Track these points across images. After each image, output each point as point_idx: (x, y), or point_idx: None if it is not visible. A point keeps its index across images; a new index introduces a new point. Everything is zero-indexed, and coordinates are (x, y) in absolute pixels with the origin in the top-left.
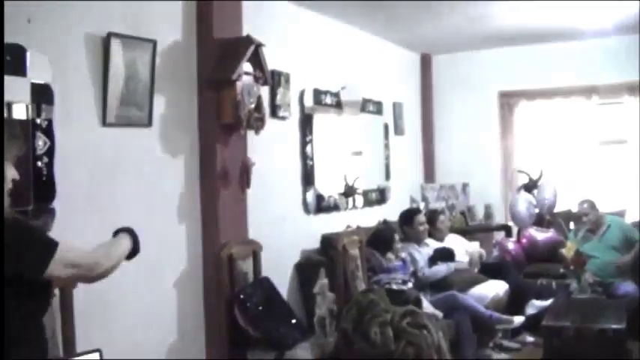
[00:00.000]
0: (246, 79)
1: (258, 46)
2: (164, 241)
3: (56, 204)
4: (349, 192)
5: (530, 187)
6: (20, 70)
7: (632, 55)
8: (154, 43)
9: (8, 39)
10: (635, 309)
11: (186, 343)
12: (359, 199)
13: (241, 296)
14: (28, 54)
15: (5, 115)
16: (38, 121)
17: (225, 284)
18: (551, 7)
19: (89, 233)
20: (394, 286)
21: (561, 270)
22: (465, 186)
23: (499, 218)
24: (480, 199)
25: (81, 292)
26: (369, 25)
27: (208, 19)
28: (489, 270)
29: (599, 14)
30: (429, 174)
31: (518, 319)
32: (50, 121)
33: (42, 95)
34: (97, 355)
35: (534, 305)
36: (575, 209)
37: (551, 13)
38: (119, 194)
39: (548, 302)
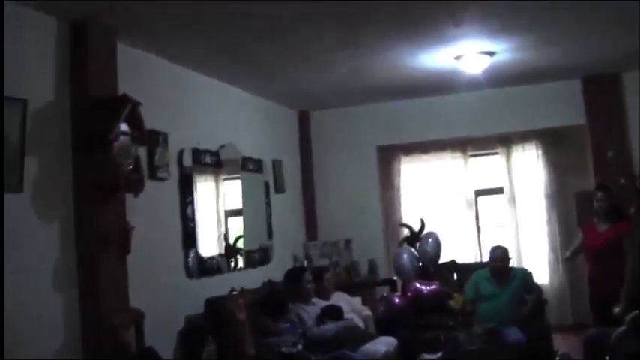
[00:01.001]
0: (124, 140)
1: (135, 105)
2: (38, 312)
3: None
4: (231, 253)
5: (413, 239)
6: None
7: (503, 107)
8: (25, 102)
9: None
10: (525, 356)
11: None
12: (241, 260)
13: None
14: None
15: None
16: None
17: (108, 356)
18: (425, 62)
19: None
20: (284, 349)
21: (450, 322)
22: (347, 242)
23: (383, 273)
24: (363, 254)
25: None
26: (247, 83)
27: (83, 77)
28: (378, 326)
29: (470, 68)
30: (312, 231)
31: None
32: None
33: None
34: None
35: (424, 358)
36: (459, 259)
37: (425, 68)
38: None
39: (438, 355)
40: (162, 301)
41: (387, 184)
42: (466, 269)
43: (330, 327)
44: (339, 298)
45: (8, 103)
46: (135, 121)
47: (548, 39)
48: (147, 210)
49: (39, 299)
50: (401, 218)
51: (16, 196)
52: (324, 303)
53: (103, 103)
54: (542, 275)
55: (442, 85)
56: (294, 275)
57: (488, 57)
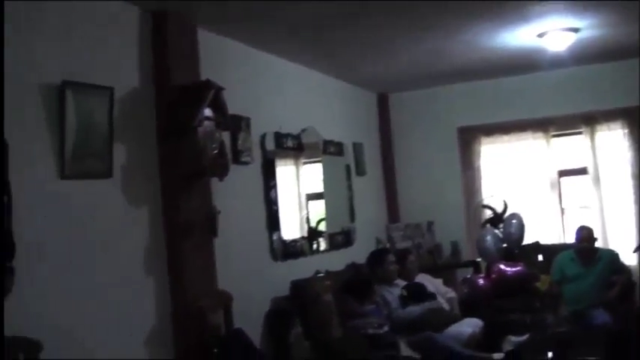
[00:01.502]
0: (208, 125)
1: (218, 90)
2: (131, 296)
3: (15, 262)
4: (314, 235)
5: (496, 221)
6: None
7: (587, 85)
8: (111, 90)
9: None
10: (612, 339)
11: None
12: (323, 243)
13: (215, 350)
14: None
15: None
16: None
17: (198, 339)
18: (506, 41)
19: (52, 291)
20: (370, 331)
21: (536, 304)
22: (429, 224)
23: (465, 255)
24: (445, 237)
25: (48, 350)
26: (327, 67)
27: (165, 64)
28: (461, 308)
29: (553, 46)
30: (394, 214)
31: (498, 356)
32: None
33: None
34: None
35: (511, 341)
36: (542, 241)
37: (506, 47)
38: (81, 249)
39: (525, 337)
40: (249, 284)
41: (467, 165)
42: (551, 250)
43: (415, 309)
44: (423, 280)
45: (96, 92)
46: (218, 106)
47: (635, 15)
48: (232, 194)
49: (131, 283)
50: (482, 200)
51: (105, 182)
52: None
53: (186, 90)
54: (630, 257)
55: (524, 63)
56: (377, 257)
57: (572, 34)
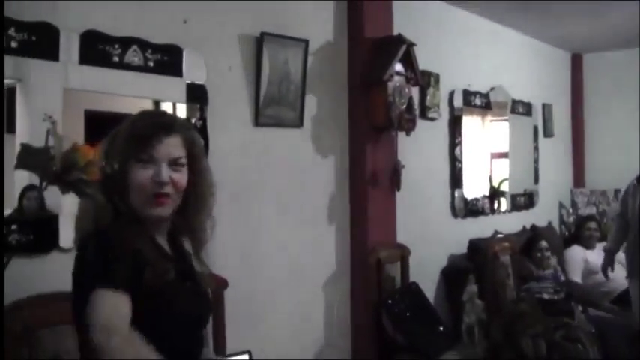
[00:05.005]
0: (398, 80)
1: (410, 45)
2: (314, 241)
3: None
4: (495, 195)
5: None
6: (177, 71)
7: None
8: (306, 43)
9: (165, 40)
10: None
11: (333, 346)
12: (505, 203)
13: (389, 301)
14: (184, 54)
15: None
16: (193, 121)
17: (373, 288)
18: None
19: (237, 232)
20: (545, 296)
21: None
22: (617, 192)
23: None
24: None
25: (232, 293)
26: (520, 24)
27: (359, 19)
28: None
29: None
30: (579, 178)
31: None
32: (205, 121)
33: (197, 95)
34: (246, 356)
35: None
36: None
37: None
38: (270, 193)
39: None
40: (428, 239)
41: None
42: None
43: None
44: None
45: (291, 43)
46: (409, 61)
47: None
48: (417, 149)
49: (314, 229)
50: None
51: (297, 131)
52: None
53: (378, 44)
54: None
55: None
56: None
57: None
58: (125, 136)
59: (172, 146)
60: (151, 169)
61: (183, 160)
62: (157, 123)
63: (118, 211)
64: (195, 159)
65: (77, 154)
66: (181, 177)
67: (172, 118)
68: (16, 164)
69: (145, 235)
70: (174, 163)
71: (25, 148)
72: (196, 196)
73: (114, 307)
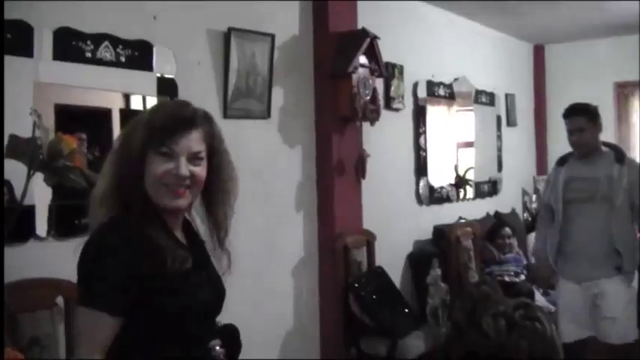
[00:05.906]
0: (362, 72)
1: (374, 38)
2: (282, 228)
3: None
4: (460, 183)
5: None
6: (147, 65)
7: None
8: (273, 37)
9: (136, 35)
10: None
11: (301, 329)
12: (470, 191)
13: (356, 285)
14: (154, 49)
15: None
16: None
17: (340, 273)
18: None
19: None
20: (507, 279)
21: None
22: None
23: None
24: None
25: None
26: (482, 16)
27: (324, 13)
28: None
29: None
30: (541, 166)
31: None
32: None
33: (167, 89)
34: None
35: None
36: None
37: None
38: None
39: None
40: (393, 226)
41: (623, 120)
42: None
43: None
44: None
45: (258, 38)
46: (373, 54)
47: None
48: (382, 139)
49: (282, 217)
50: (636, 157)
51: (264, 122)
52: None
53: (343, 37)
54: None
55: None
56: None
57: None
58: (145, 127)
59: (193, 140)
60: (170, 163)
61: (203, 154)
62: (178, 116)
63: (129, 199)
64: (216, 151)
65: (62, 143)
66: (201, 170)
67: (194, 110)
68: (6, 153)
69: (162, 225)
70: (194, 157)
71: (13, 139)
72: (218, 188)
73: (93, 330)
